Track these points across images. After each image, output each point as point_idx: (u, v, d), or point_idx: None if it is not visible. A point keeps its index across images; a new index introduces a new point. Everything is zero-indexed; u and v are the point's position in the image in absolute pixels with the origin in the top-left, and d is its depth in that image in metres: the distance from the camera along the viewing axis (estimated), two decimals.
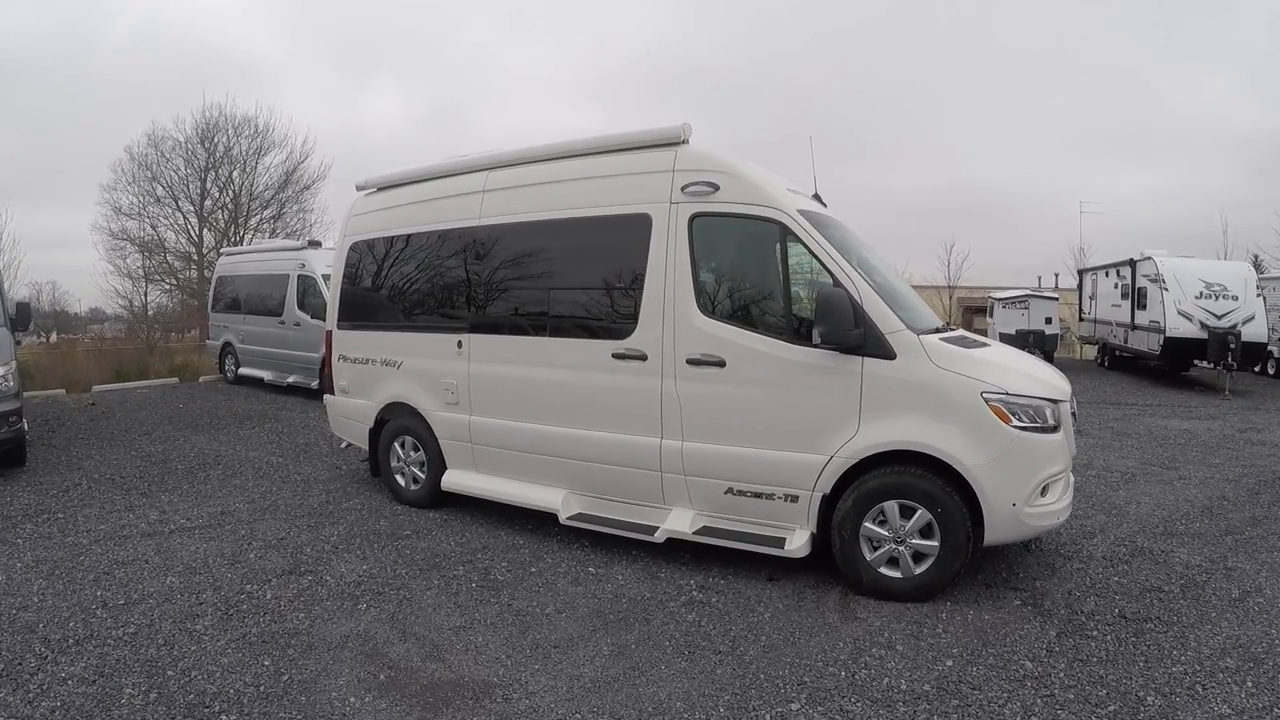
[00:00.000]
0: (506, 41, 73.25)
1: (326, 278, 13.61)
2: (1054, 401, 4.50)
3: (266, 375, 14.86)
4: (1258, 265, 26.40)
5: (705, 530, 5.02)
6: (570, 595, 4.72)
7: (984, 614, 4.37)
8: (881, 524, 4.53)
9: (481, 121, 65.83)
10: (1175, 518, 6.38)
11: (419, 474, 6.63)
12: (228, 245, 28.39)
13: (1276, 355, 18.72)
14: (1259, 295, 17.05)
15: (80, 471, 8.00)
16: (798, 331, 4.72)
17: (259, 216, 30.86)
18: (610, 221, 5.45)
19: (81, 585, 4.80)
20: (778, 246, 4.82)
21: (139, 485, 7.40)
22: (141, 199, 29.28)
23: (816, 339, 4.50)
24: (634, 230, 5.25)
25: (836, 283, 4.56)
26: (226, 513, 6.40)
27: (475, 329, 6.11)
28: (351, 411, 7.12)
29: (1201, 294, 16.72)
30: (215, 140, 29.65)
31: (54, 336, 34.98)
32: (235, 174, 30.11)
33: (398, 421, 6.72)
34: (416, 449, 6.62)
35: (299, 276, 14.32)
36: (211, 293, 17.34)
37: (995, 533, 4.38)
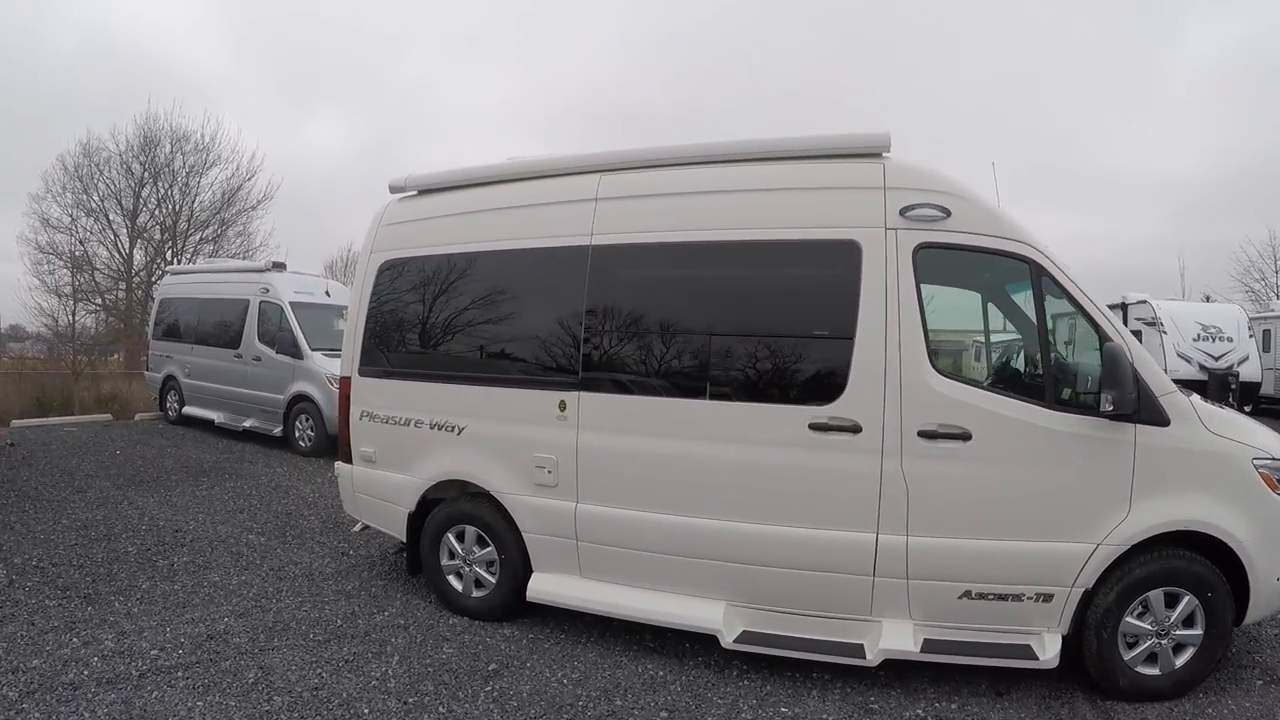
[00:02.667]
0: (449, 76, 71.83)
1: (296, 305, 11.92)
2: None
3: (217, 417, 12.70)
4: (1209, 303, 26.77)
5: (931, 645, 3.98)
6: None
7: (1242, 701, 3.97)
8: (1141, 616, 3.92)
9: (424, 154, 64.14)
10: None
11: (486, 576, 4.92)
12: (162, 265, 25.92)
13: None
14: (1250, 336, 17.81)
15: None
16: (1058, 394, 3.97)
17: (198, 236, 28.31)
18: (800, 249, 4.19)
19: None
20: (1029, 289, 4.02)
21: (80, 580, 5.44)
22: (72, 211, 26.60)
23: (1106, 405, 3.72)
24: (836, 261, 4.13)
25: (1106, 336, 3.84)
26: (215, 635, 4.54)
27: (589, 386, 4.50)
28: (381, 489, 5.34)
29: (1199, 336, 17.18)
30: (154, 152, 27.15)
31: None
32: (174, 189, 27.63)
33: (454, 506, 5.00)
34: (484, 543, 4.91)
35: (261, 303, 12.32)
36: (153, 316, 15.13)
37: (1258, 611, 3.97)
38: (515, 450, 4.69)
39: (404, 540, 5.26)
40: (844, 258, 4.07)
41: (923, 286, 4.00)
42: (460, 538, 4.99)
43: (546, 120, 62.08)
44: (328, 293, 13.06)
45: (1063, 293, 3.96)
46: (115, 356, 25.48)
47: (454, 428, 4.93)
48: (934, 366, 3.94)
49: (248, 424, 12.19)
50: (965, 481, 3.89)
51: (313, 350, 11.47)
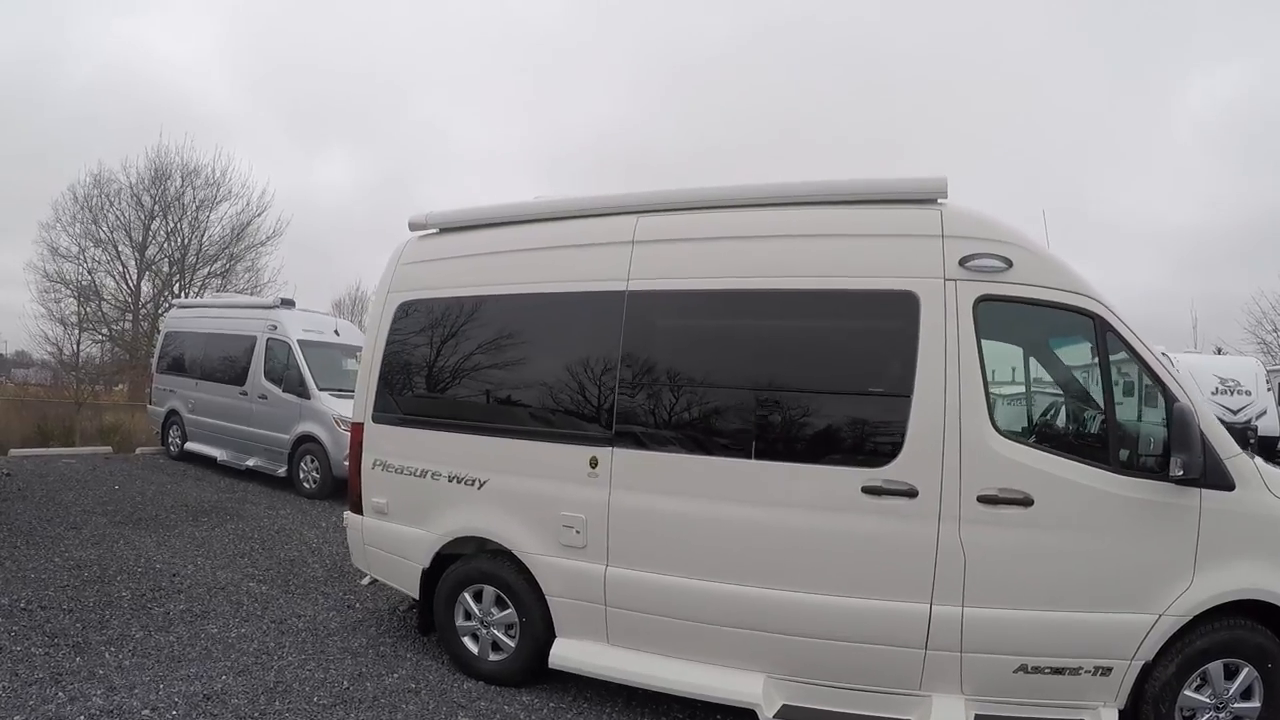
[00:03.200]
0: (457, 118, 72.81)
1: (304, 344, 11.70)
2: None
3: (220, 455, 12.40)
4: (1221, 355, 26.64)
5: None
6: None
7: None
8: (1199, 689, 3.70)
9: (431, 195, 64.92)
10: None
11: (505, 639, 4.61)
12: (170, 298, 25.80)
13: None
14: (1269, 389, 17.52)
15: None
16: (1121, 457, 3.77)
17: (206, 270, 28.22)
18: (854, 299, 3.98)
19: None
20: (1092, 345, 3.86)
21: (70, 627, 5.12)
22: (81, 241, 26.51)
23: (1175, 470, 3.50)
24: (891, 313, 3.91)
25: (1173, 396, 3.65)
26: (212, 696, 4.22)
27: (623, 442, 4.25)
28: (393, 542, 5.04)
29: (1217, 389, 16.80)
30: (165, 185, 27.21)
31: None
32: (184, 223, 27.64)
33: (472, 564, 4.70)
34: (503, 605, 4.61)
35: (268, 340, 12.10)
36: (158, 350, 14.90)
37: None
38: (541, 508, 4.42)
39: (416, 598, 4.97)
40: (901, 310, 3.86)
41: (985, 341, 3.80)
42: (478, 597, 4.69)
43: (551, 162, 62.77)
44: (337, 331, 12.88)
45: (1127, 349, 3.79)
46: (119, 387, 25.21)
47: (474, 481, 4.67)
48: (994, 427, 3.72)
49: (251, 463, 11.89)
50: (1025, 549, 3.66)
51: (320, 390, 11.23)
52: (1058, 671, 3.69)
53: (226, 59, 54.53)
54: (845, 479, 3.82)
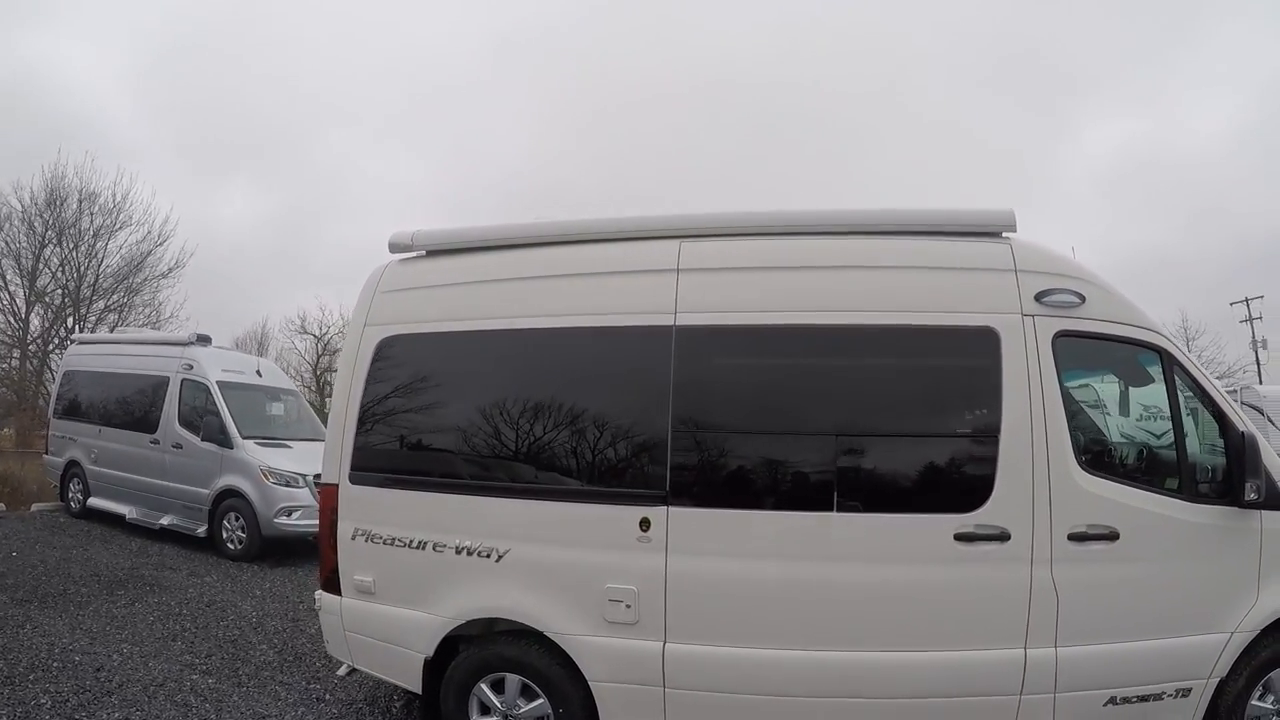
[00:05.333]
0: (367, 156, 70.86)
1: (224, 385, 10.68)
2: None
3: (129, 512, 11.01)
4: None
5: None
6: None
7: None
8: (1263, 697, 3.89)
9: (341, 234, 62.77)
10: None
11: None
12: (61, 333, 23.70)
13: None
14: None
15: None
16: (1195, 487, 3.90)
17: (103, 303, 25.97)
18: (932, 335, 3.78)
19: None
20: (1162, 379, 3.97)
21: None
22: None
23: (1250, 495, 3.69)
24: (972, 350, 3.82)
25: (1237, 426, 3.80)
26: None
27: (680, 499, 3.73)
28: (384, 628, 4.25)
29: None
30: (60, 209, 24.94)
31: None
32: (79, 251, 25.41)
33: (490, 649, 4.00)
34: (530, 694, 3.94)
35: (183, 381, 10.95)
36: (55, 391, 13.43)
37: None
38: (579, 580, 3.81)
39: (417, 692, 4.19)
40: (981, 347, 3.76)
41: (1064, 377, 3.84)
42: (497, 688, 4.00)
43: (463, 201, 61.65)
44: (259, 372, 11.87)
45: (1191, 382, 3.92)
46: (5, 430, 22.91)
47: (491, 552, 3.98)
48: (1079, 462, 3.71)
49: (165, 521, 10.59)
50: (1113, 583, 3.72)
51: (244, 438, 10.20)
52: (1144, 699, 3.75)
53: (127, 84, 51.57)
54: (936, 527, 3.65)
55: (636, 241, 4.13)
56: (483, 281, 4.37)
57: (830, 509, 3.67)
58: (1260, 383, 27.44)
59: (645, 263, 4.03)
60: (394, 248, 4.67)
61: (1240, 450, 3.71)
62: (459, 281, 4.44)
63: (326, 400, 35.15)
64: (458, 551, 4.05)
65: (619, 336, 3.97)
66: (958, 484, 3.75)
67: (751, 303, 3.84)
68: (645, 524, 3.73)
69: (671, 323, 3.86)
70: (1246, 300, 34.25)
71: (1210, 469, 4.06)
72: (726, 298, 3.87)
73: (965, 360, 3.83)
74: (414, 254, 4.65)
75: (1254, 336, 33.80)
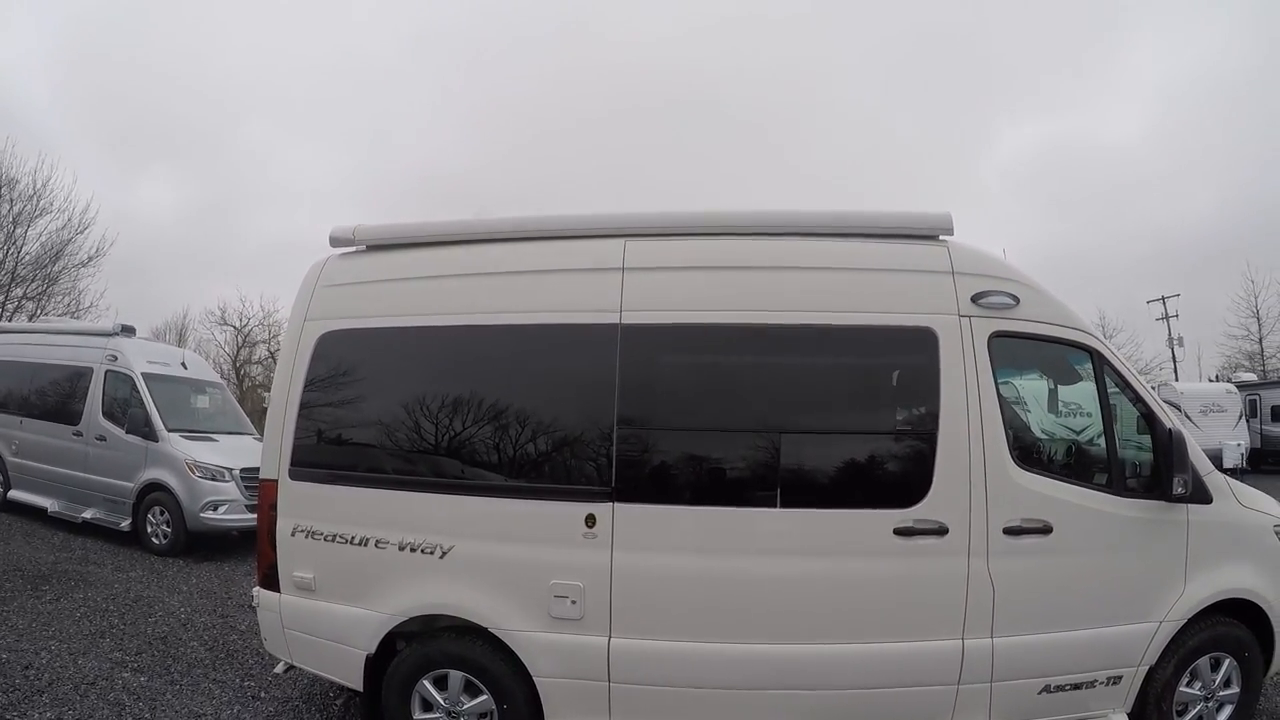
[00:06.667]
0: (284, 149, 68.89)
1: (150, 377, 10.40)
2: None
3: (51, 505, 10.60)
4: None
5: None
6: None
7: None
8: (1190, 684, 4.10)
9: (257, 223, 60.99)
10: None
11: None
12: None
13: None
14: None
15: None
16: (1124, 481, 4.10)
17: (21, 291, 24.84)
18: (872, 335, 3.89)
19: None
20: (1092, 377, 4.14)
21: None
22: None
23: (1178, 489, 3.86)
24: (911, 349, 3.95)
25: (1165, 422, 4.00)
26: None
27: (625, 495, 3.75)
28: (324, 625, 4.16)
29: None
30: None
31: None
32: None
33: (433, 645, 3.97)
34: (474, 691, 3.92)
35: (107, 373, 10.62)
36: None
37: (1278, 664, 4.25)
38: (524, 576, 3.81)
39: (358, 689, 4.15)
40: (920, 346, 3.87)
41: (999, 376, 3.97)
42: (440, 684, 3.96)
43: (387, 200, 60.64)
44: (184, 364, 11.61)
45: (1120, 380, 4.09)
46: None
47: (435, 549, 3.95)
48: (1013, 459, 3.84)
49: (88, 515, 10.23)
50: (1047, 575, 3.86)
51: (170, 430, 9.95)
52: (1076, 687, 3.90)
53: (44, 68, 49.04)
54: (875, 522, 3.74)
55: (582, 240, 4.13)
56: (426, 277, 4.31)
57: (774, 505, 3.74)
58: (1176, 379, 29.03)
59: (591, 261, 4.04)
60: (335, 242, 4.57)
61: (1168, 446, 3.87)
62: (401, 277, 4.37)
63: (246, 393, 34.27)
64: (401, 548, 4.00)
65: (564, 334, 3.96)
66: (897, 480, 3.86)
67: (696, 302, 3.88)
68: (591, 520, 3.74)
69: (617, 320, 3.87)
70: (1163, 298, 35.95)
71: (1138, 465, 4.24)
72: (671, 296, 3.90)
73: (904, 360, 3.95)
74: (355, 249, 4.57)
75: (1170, 334, 35.53)
